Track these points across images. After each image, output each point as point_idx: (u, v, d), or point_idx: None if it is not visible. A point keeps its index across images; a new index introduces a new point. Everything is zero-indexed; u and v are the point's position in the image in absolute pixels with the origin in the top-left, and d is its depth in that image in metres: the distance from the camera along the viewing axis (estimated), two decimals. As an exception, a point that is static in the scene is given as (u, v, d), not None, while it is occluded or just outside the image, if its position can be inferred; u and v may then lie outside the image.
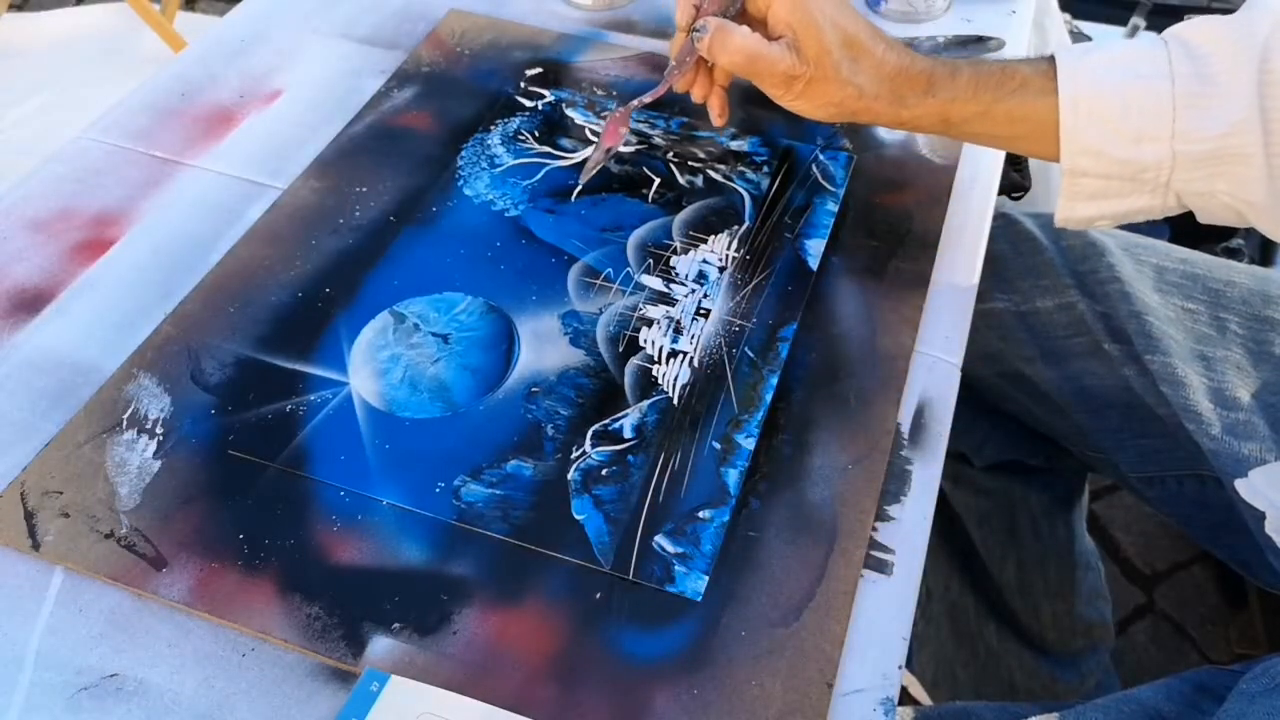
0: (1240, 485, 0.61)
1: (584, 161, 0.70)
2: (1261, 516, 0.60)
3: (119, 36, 1.78)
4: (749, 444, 0.55)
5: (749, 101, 0.76)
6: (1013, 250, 0.75)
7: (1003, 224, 0.75)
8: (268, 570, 0.49)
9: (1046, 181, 1.19)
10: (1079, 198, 0.58)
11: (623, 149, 0.72)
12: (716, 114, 0.65)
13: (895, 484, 0.54)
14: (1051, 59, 0.57)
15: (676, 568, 0.50)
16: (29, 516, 0.51)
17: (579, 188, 0.68)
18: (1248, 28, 0.53)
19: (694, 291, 0.63)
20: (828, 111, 0.60)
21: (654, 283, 0.63)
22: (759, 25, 0.61)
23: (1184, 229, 1.25)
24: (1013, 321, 0.75)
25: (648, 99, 0.65)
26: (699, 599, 0.49)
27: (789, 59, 0.58)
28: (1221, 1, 1.77)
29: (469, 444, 0.55)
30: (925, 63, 0.59)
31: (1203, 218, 0.58)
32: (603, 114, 0.74)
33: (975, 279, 0.65)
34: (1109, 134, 0.55)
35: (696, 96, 0.65)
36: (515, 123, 0.74)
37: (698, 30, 0.60)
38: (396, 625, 0.48)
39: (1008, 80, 0.58)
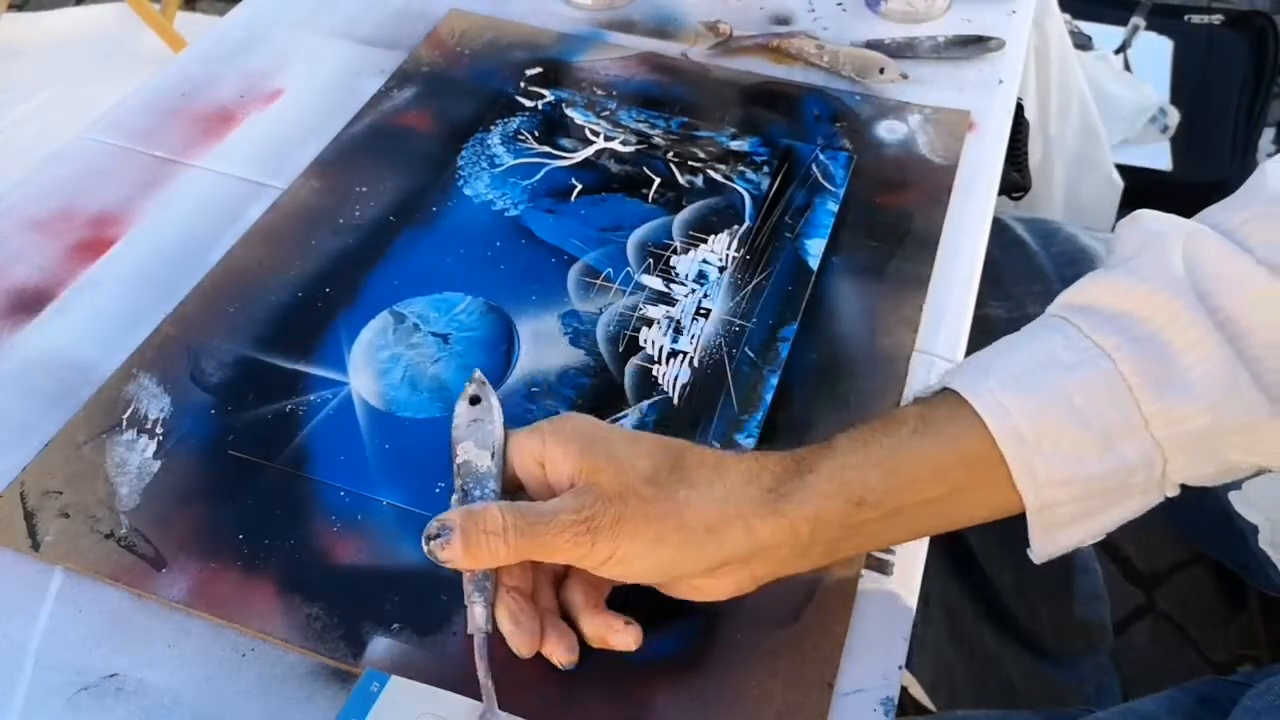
0: (1234, 498, 0.61)
1: (585, 161, 0.71)
2: (1256, 530, 0.60)
3: (119, 36, 1.78)
4: (749, 444, 0.55)
5: (749, 101, 0.77)
6: (1004, 255, 0.75)
7: (994, 229, 0.75)
8: (268, 570, 0.49)
9: (1046, 183, 1.19)
10: (1054, 528, 0.45)
11: (622, 149, 0.72)
12: (565, 654, 0.45)
13: (895, 484, 0.54)
14: (945, 391, 0.45)
15: (676, 568, 0.50)
16: (29, 516, 0.51)
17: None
18: (1159, 270, 0.43)
19: (694, 291, 0.63)
20: (658, 557, 0.43)
21: (654, 282, 0.63)
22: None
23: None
24: (1005, 328, 0.74)
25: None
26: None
27: (576, 502, 0.42)
28: (1221, 0, 1.76)
29: (469, 444, 0.55)
30: (777, 454, 0.44)
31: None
32: (603, 113, 0.73)
33: (976, 279, 0.65)
34: (1071, 452, 0.42)
35: (526, 650, 0.44)
36: (515, 122, 0.74)
37: (439, 536, 0.42)
38: (397, 625, 0.48)
39: (897, 426, 0.44)
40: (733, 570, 0.43)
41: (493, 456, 0.45)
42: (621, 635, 0.44)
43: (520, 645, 0.44)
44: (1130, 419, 0.42)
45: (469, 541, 0.42)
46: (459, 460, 0.46)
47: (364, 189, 0.68)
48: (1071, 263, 0.72)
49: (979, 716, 0.61)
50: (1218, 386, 0.41)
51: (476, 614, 0.43)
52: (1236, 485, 0.61)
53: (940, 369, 0.59)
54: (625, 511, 0.41)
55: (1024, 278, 0.74)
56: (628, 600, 0.46)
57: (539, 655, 0.45)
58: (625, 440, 0.44)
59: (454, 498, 0.45)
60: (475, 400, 0.47)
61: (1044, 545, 0.45)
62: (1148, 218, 0.46)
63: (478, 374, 0.49)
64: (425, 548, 0.42)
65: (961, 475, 0.43)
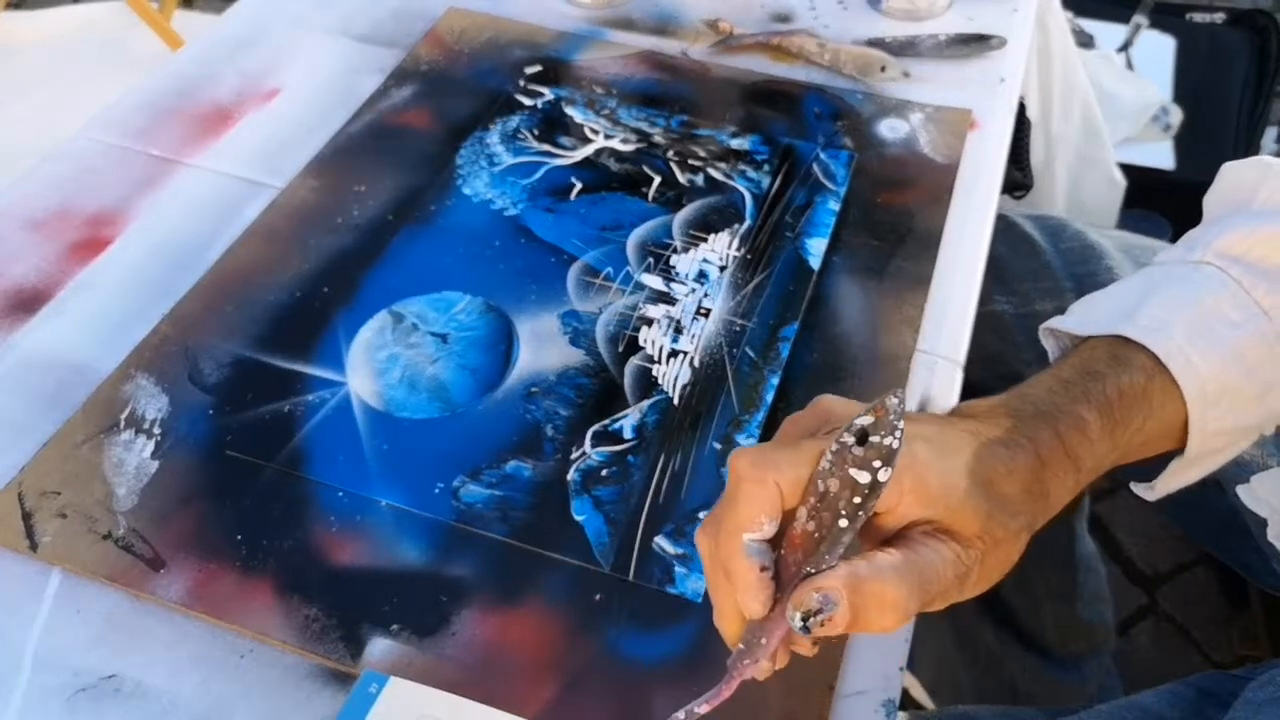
0: (1241, 491, 0.60)
1: (585, 160, 0.70)
2: (1263, 523, 0.59)
3: (116, 35, 1.78)
4: (749, 444, 0.55)
5: (749, 100, 0.76)
6: (1011, 252, 0.75)
7: (1001, 226, 0.75)
8: (266, 571, 0.49)
9: (1048, 181, 1.18)
10: (1190, 468, 0.48)
11: (622, 147, 0.72)
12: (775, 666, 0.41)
13: (897, 484, 0.54)
14: (1144, 352, 0.44)
15: (677, 569, 0.50)
16: (26, 517, 0.51)
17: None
18: None
19: (694, 291, 0.63)
20: (1005, 569, 0.42)
21: (654, 282, 0.63)
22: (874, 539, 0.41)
23: (1186, 229, 1.24)
24: (1012, 324, 0.74)
25: (703, 708, 0.39)
26: (699, 600, 0.49)
27: (952, 554, 0.38)
28: (1225, 0, 1.76)
29: (468, 444, 0.54)
30: (1048, 436, 0.43)
31: None
32: (603, 112, 0.72)
33: (978, 278, 0.65)
34: (1236, 405, 0.45)
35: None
36: (514, 121, 0.74)
37: (820, 611, 0.35)
38: (395, 626, 0.47)
39: (1138, 402, 0.44)
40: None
41: (868, 495, 0.36)
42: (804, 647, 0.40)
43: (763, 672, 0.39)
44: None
45: (858, 617, 0.35)
46: (820, 486, 0.36)
47: (362, 188, 0.68)
48: (1081, 260, 0.72)
49: (981, 712, 0.61)
50: None
51: (762, 669, 0.38)
52: (1244, 479, 0.61)
53: (942, 369, 0.59)
54: (984, 554, 0.39)
55: (1031, 274, 0.74)
56: (635, 602, 0.46)
57: (538, 656, 0.45)
58: (953, 466, 0.39)
59: (807, 528, 0.36)
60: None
61: (1169, 483, 0.48)
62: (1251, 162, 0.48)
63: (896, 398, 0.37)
64: (795, 624, 0.35)
65: (1157, 442, 0.45)
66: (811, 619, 0.35)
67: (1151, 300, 0.46)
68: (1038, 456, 0.41)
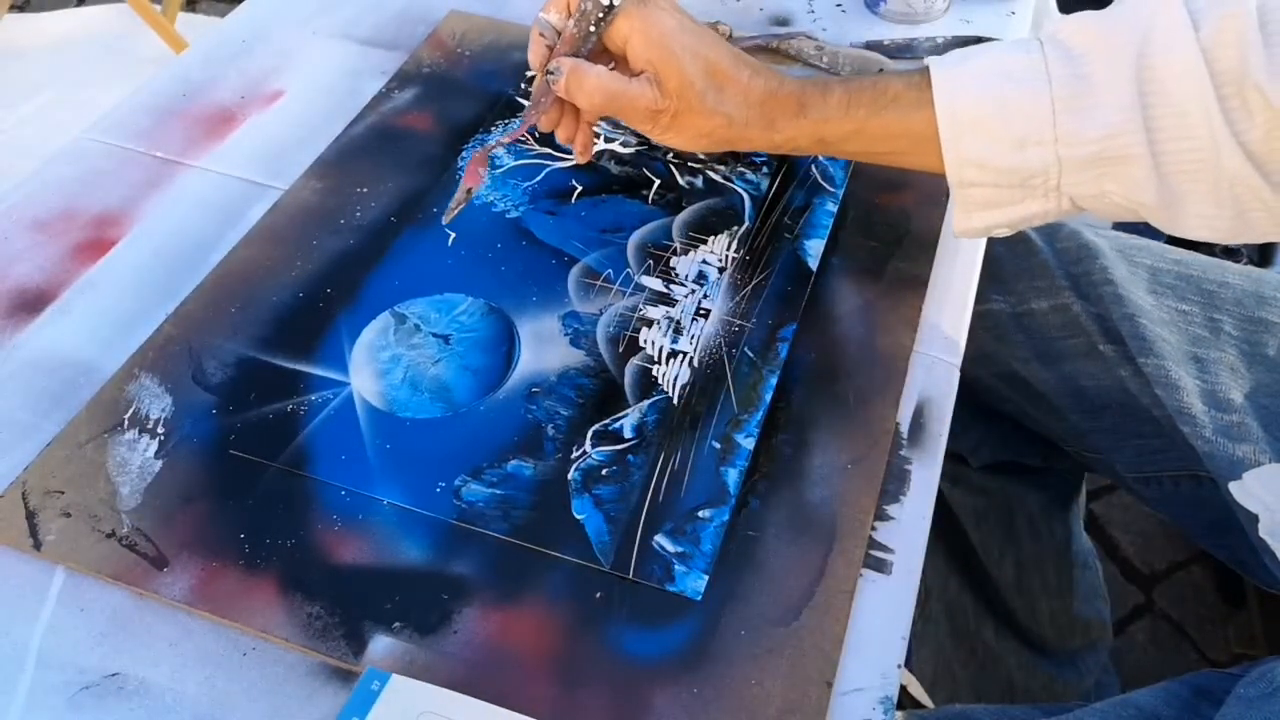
0: (1234, 488, 0.61)
1: (588, 161, 0.71)
2: (1255, 519, 0.60)
3: (120, 37, 1.78)
4: (749, 444, 0.55)
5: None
6: (1008, 252, 0.75)
7: None
8: (269, 570, 0.49)
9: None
10: (971, 207, 0.56)
11: (622, 150, 0.72)
12: (580, 152, 0.62)
13: (894, 484, 0.54)
14: (925, 70, 0.55)
15: (676, 567, 0.50)
16: (30, 516, 0.51)
17: (447, 225, 0.65)
18: (1123, 23, 0.51)
19: (694, 292, 0.63)
20: (699, 143, 0.58)
21: (654, 283, 0.64)
22: (619, 60, 0.59)
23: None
24: (1008, 322, 0.75)
25: (505, 139, 0.63)
26: (699, 598, 0.49)
27: (650, 94, 0.56)
28: None
29: (470, 444, 0.55)
30: (794, 84, 0.57)
31: (1102, 217, 0.57)
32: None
33: (974, 279, 0.65)
34: (991, 142, 0.53)
35: (561, 137, 0.61)
36: (515, 124, 0.74)
37: (551, 73, 0.57)
38: (397, 624, 0.48)
39: (880, 95, 0.56)
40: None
41: (604, 16, 0.57)
42: (584, 154, 0.63)
43: (549, 122, 0.60)
44: (1044, 134, 0.52)
45: (570, 86, 0.57)
46: (582, 4, 0.57)
47: (365, 190, 0.69)
48: (1076, 259, 0.72)
49: (977, 711, 0.62)
50: (1114, 122, 0.50)
51: (543, 120, 0.60)
52: (1236, 475, 0.61)
53: (939, 369, 0.60)
54: (681, 109, 0.56)
55: (1027, 273, 0.74)
56: (635, 600, 0.46)
57: (539, 654, 0.45)
58: (687, 43, 0.56)
59: (571, 29, 0.57)
60: None
61: (962, 223, 0.57)
62: None
63: None
64: (544, 77, 0.58)
65: (906, 143, 0.56)
66: (549, 75, 0.57)
67: (979, 49, 0.55)
68: (770, 88, 0.57)
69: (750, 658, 0.47)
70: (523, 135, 0.63)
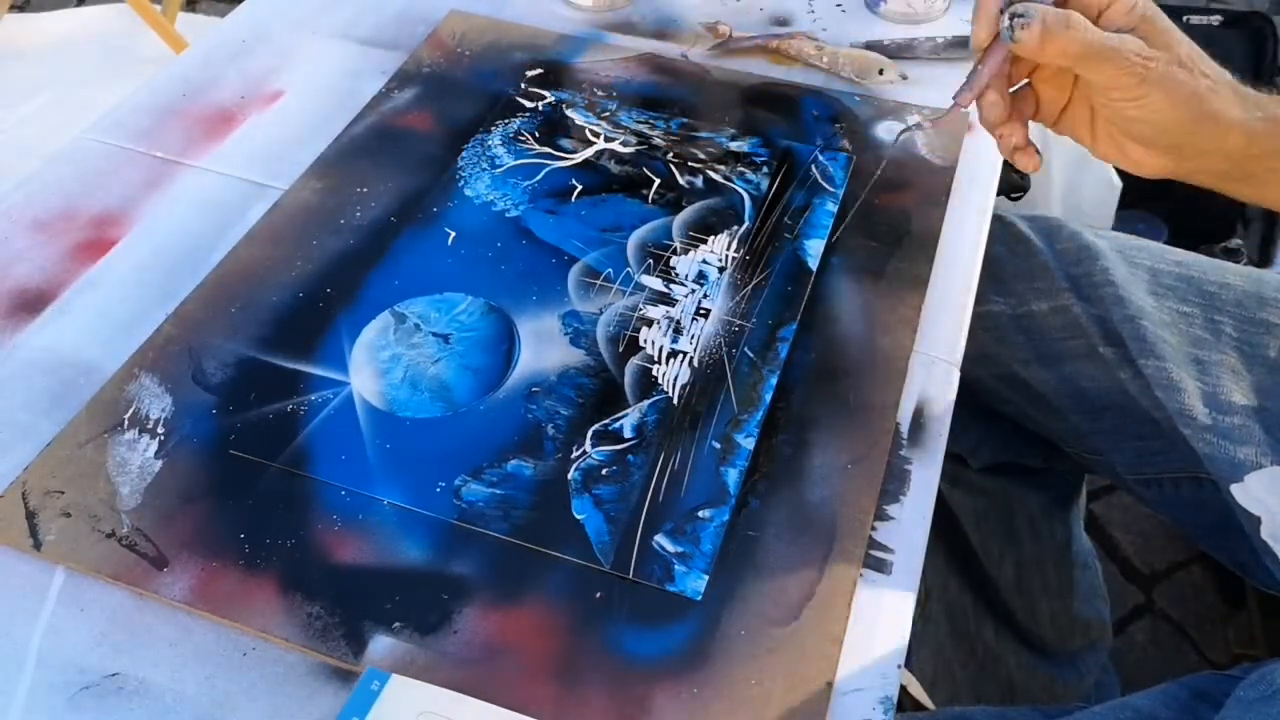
0: (1235, 490, 0.61)
1: (585, 162, 0.71)
2: (1257, 521, 0.60)
3: (120, 37, 1.78)
4: (748, 444, 0.55)
5: (749, 102, 0.77)
6: (1008, 253, 0.75)
7: (998, 227, 0.76)
8: (269, 570, 0.49)
9: (1045, 183, 1.19)
10: None
11: (622, 150, 0.72)
12: (1031, 163, 0.56)
13: (894, 483, 0.54)
14: None
15: (676, 567, 0.50)
16: (30, 516, 0.51)
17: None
18: None
19: (694, 292, 0.63)
20: (1176, 114, 0.51)
21: (654, 283, 0.64)
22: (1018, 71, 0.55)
23: (1182, 230, 1.25)
24: (1008, 324, 0.75)
25: (929, 125, 0.61)
26: (699, 598, 0.49)
27: (1137, 44, 0.50)
28: (1220, 1, 1.77)
29: (470, 444, 0.55)
30: (1239, 87, 0.53)
31: None
32: (603, 114, 0.73)
33: (974, 279, 0.65)
34: None
35: (1004, 146, 0.56)
36: (516, 123, 0.74)
37: (1021, 16, 0.48)
38: (397, 624, 0.48)
39: None
40: (1183, 160, 0.55)
41: None
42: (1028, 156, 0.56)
43: (995, 115, 0.55)
44: None
45: (1047, 30, 0.48)
46: None
47: (365, 190, 0.69)
48: (1077, 261, 0.72)
49: (976, 713, 0.62)
50: None
51: (972, 99, 0.54)
52: (1238, 478, 0.61)
53: (939, 369, 0.60)
54: (1170, 71, 0.50)
55: (1027, 274, 0.74)
56: (635, 600, 0.46)
57: (539, 654, 0.45)
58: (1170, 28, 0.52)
59: None
60: None
61: None
62: None
63: None
64: (1004, 24, 0.49)
65: None
66: (1015, 19, 0.48)
67: None
68: (1226, 81, 0.52)
69: (750, 658, 0.47)
70: (973, 97, 0.55)
